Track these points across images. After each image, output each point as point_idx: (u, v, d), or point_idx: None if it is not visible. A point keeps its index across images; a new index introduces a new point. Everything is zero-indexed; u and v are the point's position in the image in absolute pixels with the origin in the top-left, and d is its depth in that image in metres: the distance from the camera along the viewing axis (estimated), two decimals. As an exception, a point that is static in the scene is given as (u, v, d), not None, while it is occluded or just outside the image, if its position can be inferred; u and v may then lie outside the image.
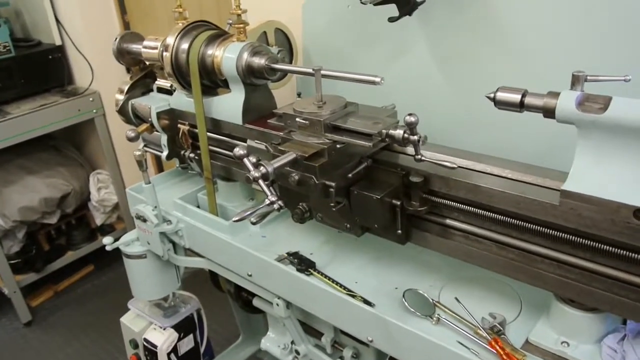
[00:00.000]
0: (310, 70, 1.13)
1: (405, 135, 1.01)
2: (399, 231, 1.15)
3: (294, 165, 1.08)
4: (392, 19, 1.25)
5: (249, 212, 1.01)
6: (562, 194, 0.91)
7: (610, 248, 0.91)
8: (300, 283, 1.29)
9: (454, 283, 1.26)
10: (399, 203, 1.11)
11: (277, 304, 1.39)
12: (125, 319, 1.90)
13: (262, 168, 0.99)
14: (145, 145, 1.81)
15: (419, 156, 1.02)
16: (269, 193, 1.00)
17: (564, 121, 0.89)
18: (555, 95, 0.89)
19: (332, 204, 1.10)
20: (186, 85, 1.50)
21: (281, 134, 1.19)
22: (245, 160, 1.00)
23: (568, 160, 0.92)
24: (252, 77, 1.36)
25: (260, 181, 0.98)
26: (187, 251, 1.69)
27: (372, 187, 1.12)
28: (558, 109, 0.88)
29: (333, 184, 1.08)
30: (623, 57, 1.15)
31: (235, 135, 1.46)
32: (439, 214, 1.13)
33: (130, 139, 1.63)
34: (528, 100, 0.92)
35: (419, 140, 1.00)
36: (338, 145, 1.09)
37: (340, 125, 1.09)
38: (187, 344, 1.87)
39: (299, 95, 1.34)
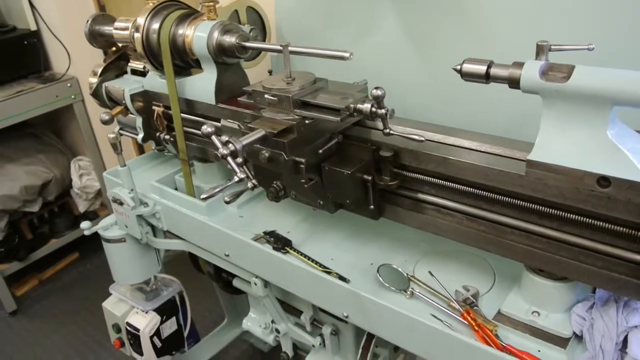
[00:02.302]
0: (279, 47, 1.12)
1: (373, 109, 1.01)
2: (371, 206, 1.15)
3: (264, 143, 1.07)
4: (361, -6, 1.25)
5: (218, 189, 1.00)
6: (528, 164, 0.92)
7: (576, 216, 0.92)
8: (276, 262, 1.29)
9: (429, 257, 1.27)
10: (370, 178, 1.11)
11: (255, 283, 1.39)
12: (107, 304, 1.90)
13: (230, 145, 0.98)
14: (120, 129, 1.79)
15: (388, 130, 1.02)
16: (237, 170, 0.99)
17: (528, 91, 0.89)
18: (520, 65, 0.89)
19: (303, 181, 1.10)
20: (159, 66, 1.48)
21: (251, 111, 1.18)
22: (214, 137, 1.00)
23: (537, 131, 0.92)
24: (224, 56, 1.35)
25: (229, 158, 0.98)
26: (167, 234, 1.68)
27: (343, 163, 1.12)
28: (522, 79, 0.88)
29: (303, 160, 1.08)
30: (587, 27, 1.16)
31: (209, 115, 1.45)
32: (410, 188, 1.13)
33: (105, 122, 1.61)
34: (493, 71, 0.92)
35: (386, 114, 1.00)
36: (307, 121, 1.08)
37: (309, 100, 1.09)
38: (169, 326, 1.87)
39: (270, 73, 1.34)
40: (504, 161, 0.98)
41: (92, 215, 3.37)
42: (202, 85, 1.42)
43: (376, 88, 0.98)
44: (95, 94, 1.73)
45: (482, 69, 0.92)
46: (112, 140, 1.50)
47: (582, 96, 0.83)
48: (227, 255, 1.41)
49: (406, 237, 1.32)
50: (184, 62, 1.46)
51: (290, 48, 1.12)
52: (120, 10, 2.78)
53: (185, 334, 1.97)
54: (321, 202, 1.20)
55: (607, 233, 0.90)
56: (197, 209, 1.48)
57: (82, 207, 3.30)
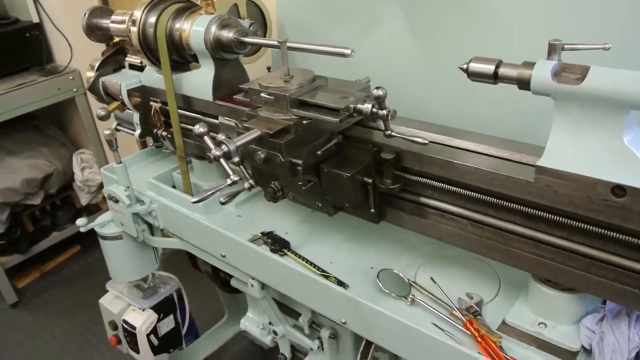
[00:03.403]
0: (276, 43, 1.07)
1: (374, 109, 0.96)
2: (372, 210, 1.11)
3: (259, 143, 1.03)
4: (364, -12, 1.20)
5: (210, 192, 0.96)
6: (537, 170, 0.87)
7: (587, 226, 0.87)
8: (273, 264, 1.25)
9: (432, 262, 1.23)
10: (370, 181, 1.06)
11: (252, 285, 1.35)
12: (104, 301, 1.87)
13: (223, 146, 0.93)
14: (118, 124, 1.75)
15: (389, 132, 0.97)
16: (230, 172, 0.95)
17: (539, 93, 0.84)
18: (530, 65, 0.84)
19: (300, 183, 1.05)
20: (156, 61, 1.44)
21: (249, 109, 1.13)
22: (206, 138, 0.95)
23: (547, 133, 0.87)
24: (222, 51, 1.30)
25: (222, 160, 0.93)
26: (164, 232, 1.65)
27: (343, 165, 1.07)
28: (533, 80, 0.83)
29: (300, 161, 1.03)
30: (603, 24, 1.10)
31: (207, 112, 1.41)
32: (412, 191, 1.09)
33: (101, 118, 1.58)
34: (502, 71, 0.87)
35: (388, 115, 0.95)
36: (305, 122, 1.03)
37: (307, 100, 1.04)
38: (167, 324, 1.84)
39: (269, 69, 1.29)
40: (511, 166, 0.93)
41: (94, 209, 3.35)
42: (199, 81, 1.37)
43: (377, 88, 0.93)
44: (93, 88, 1.68)
45: (490, 68, 0.87)
46: (108, 137, 1.46)
47: (597, 99, 0.78)
48: (224, 256, 1.38)
49: (409, 240, 1.27)
50: (181, 58, 1.42)
51: (288, 44, 1.07)
52: (124, 3, 2.73)
53: (184, 331, 1.94)
54: (320, 205, 1.16)
55: (620, 244, 0.85)
56: (193, 207, 1.44)
57: (84, 200, 3.28)
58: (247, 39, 1.25)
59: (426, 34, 1.36)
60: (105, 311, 1.86)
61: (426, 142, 0.94)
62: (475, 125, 1.12)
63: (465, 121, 1.17)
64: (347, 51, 1.00)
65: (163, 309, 1.81)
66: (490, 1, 1.23)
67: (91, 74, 1.69)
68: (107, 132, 1.46)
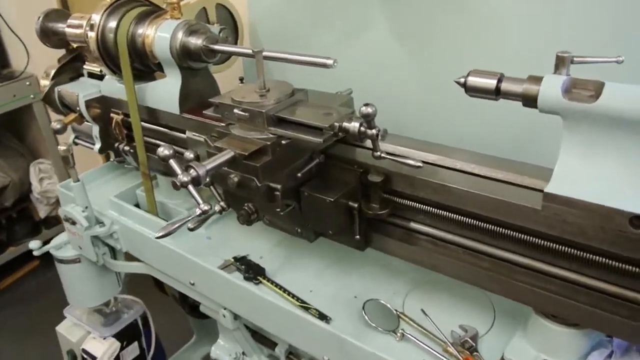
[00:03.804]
0: (250, 52, 0.96)
1: (362, 129, 0.86)
2: (357, 237, 1.01)
3: (232, 165, 0.91)
4: (346, -9, 1.10)
5: (175, 226, 0.84)
6: (545, 198, 0.77)
7: (600, 258, 0.78)
8: (247, 294, 1.14)
9: (420, 288, 1.14)
10: (356, 205, 0.96)
11: (224, 315, 1.24)
12: (61, 328, 1.73)
13: (192, 171, 0.82)
14: (76, 137, 1.61)
15: (379, 153, 0.87)
16: (200, 201, 0.83)
17: (547, 111, 0.75)
18: (537, 80, 0.75)
19: (278, 209, 0.94)
20: (116, 69, 1.31)
21: (220, 125, 1.02)
22: (172, 161, 0.83)
23: (551, 152, 0.79)
24: (189, 60, 1.19)
25: (190, 187, 0.82)
26: (128, 254, 1.52)
27: (325, 188, 0.96)
28: (541, 97, 0.74)
29: (279, 186, 0.92)
30: (611, 34, 1.02)
31: (173, 126, 1.29)
32: (402, 216, 0.99)
33: (56, 132, 1.44)
34: (505, 86, 0.78)
35: (377, 135, 0.85)
36: (283, 141, 0.93)
37: (286, 117, 0.93)
38: (131, 352, 1.72)
39: (241, 80, 1.18)
40: (513, 190, 0.84)
41: (54, 221, 3.18)
42: (164, 92, 1.25)
43: (366, 105, 0.83)
44: (47, 98, 1.54)
45: (491, 83, 0.79)
46: (64, 153, 1.33)
47: (614, 119, 0.70)
48: (193, 284, 1.26)
49: (394, 265, 1.17)
50: (144, 66, 1.30)
51: (264, 53, 0.96)
52: (84, 6, 2.57)
53: (149, 357, 1.81)
54: (299, 230, 1.05)
55: (636, 278, 0.76)
56: (158, 229, 1.31)
57: (42, 212, 3.10)
58: (217, 47, 1.13)
59: (416, 40, 1.27)
60: (62, 340, 1.72)
61: (420, 164, 0.85)
62: (472, 136, 1.03)
63: (459, 133, 1.09)
64: (330, 61, 0.91)
65: (126, 336, 1.68)
66: (487, 3, 1.14)
67: (46, 83, 1.55)
68: (63, 148, 1.33)
